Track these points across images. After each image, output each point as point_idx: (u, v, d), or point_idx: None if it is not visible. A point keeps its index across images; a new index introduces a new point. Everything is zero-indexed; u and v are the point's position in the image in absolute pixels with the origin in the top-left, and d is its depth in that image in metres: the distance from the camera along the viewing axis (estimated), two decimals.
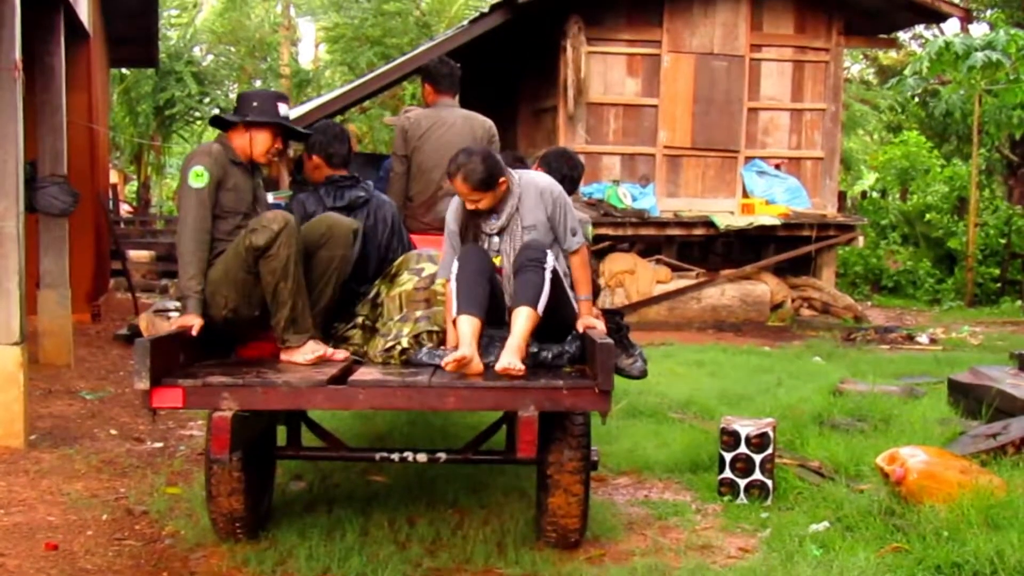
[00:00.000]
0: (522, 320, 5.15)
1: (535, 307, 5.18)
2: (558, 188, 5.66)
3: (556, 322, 5.39)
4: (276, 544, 5.64)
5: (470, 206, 5.56)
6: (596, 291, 6.32)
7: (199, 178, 5.52)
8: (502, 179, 5.50)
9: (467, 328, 5.16)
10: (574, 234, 5.63)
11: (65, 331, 10.58)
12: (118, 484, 6.76)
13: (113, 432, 8.17)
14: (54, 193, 10.29)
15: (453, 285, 5.35)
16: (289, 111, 5.92)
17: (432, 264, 5.92)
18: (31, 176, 9.71)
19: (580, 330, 5.49)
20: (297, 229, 5.41)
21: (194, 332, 5.29)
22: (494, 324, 5.39)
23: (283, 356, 5.47)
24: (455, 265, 5.41)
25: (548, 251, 5.37)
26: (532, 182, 5.62)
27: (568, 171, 6.65)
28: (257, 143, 5.79)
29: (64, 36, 10.64)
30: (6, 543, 5.62)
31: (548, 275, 5.27)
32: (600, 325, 5.54)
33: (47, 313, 10.48)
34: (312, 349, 5.43)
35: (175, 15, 34.13)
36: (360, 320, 5.80)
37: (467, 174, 5.45)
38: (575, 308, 5.59)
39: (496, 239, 5.59)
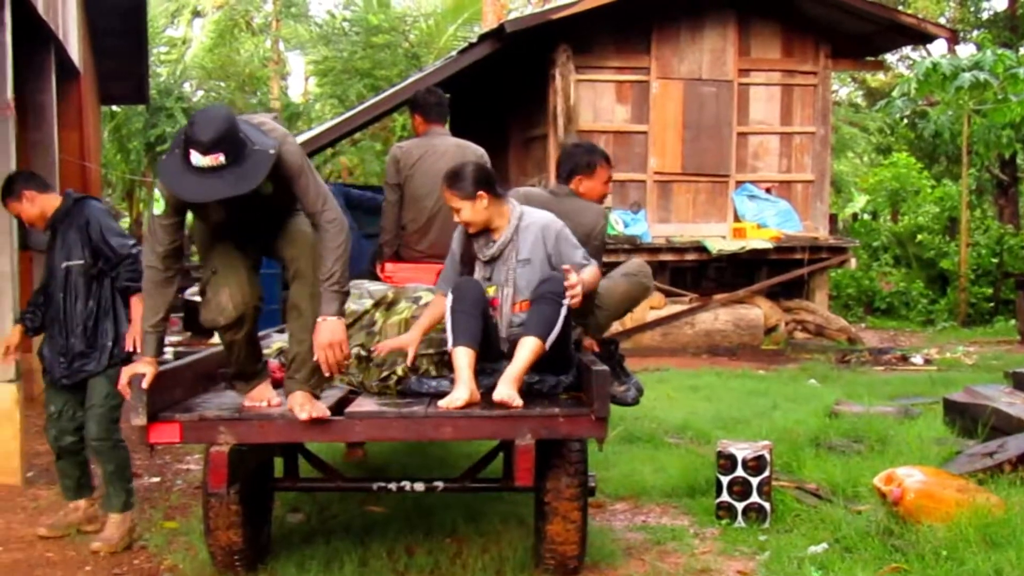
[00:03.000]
0: (527, 350, 5.13)
1: (544, 340, 5.15)
2: (559, 224, 5.62)
3: (554, 354, 5.36)
4: None
5: (455, 216, 5.60)
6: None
7: (157, 203, 4.95)
8: (480, 192, 5.49)
9: (464, 360, 5.15)
10: (587, 262, 5.58)
11: None
12: None
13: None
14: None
15: (448, 317, 5.34)
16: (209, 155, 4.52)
17: (430, 294, 5.93)
18: None
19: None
20: (254, 314, 5.07)
21: (144, 384, 4.71)
22: (487, 358, 5.39)
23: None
24: (450, 297, 5.40)
25: (563, 286, 5.33)
26: (534, 218, 5.60)
27: (601, 149, 6.65)
28: None
29: (55, 74, 10.68)
30: None
31: (564, 312, 5.26)
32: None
33: None
34: (260, 395, 5.24)
35: (164, 52, 34.29)
36: (355, 350, 5.79)
37: (449, 175, 5.58)
38: (571, 341, 5.56)
39: (489, 267, 5.60)
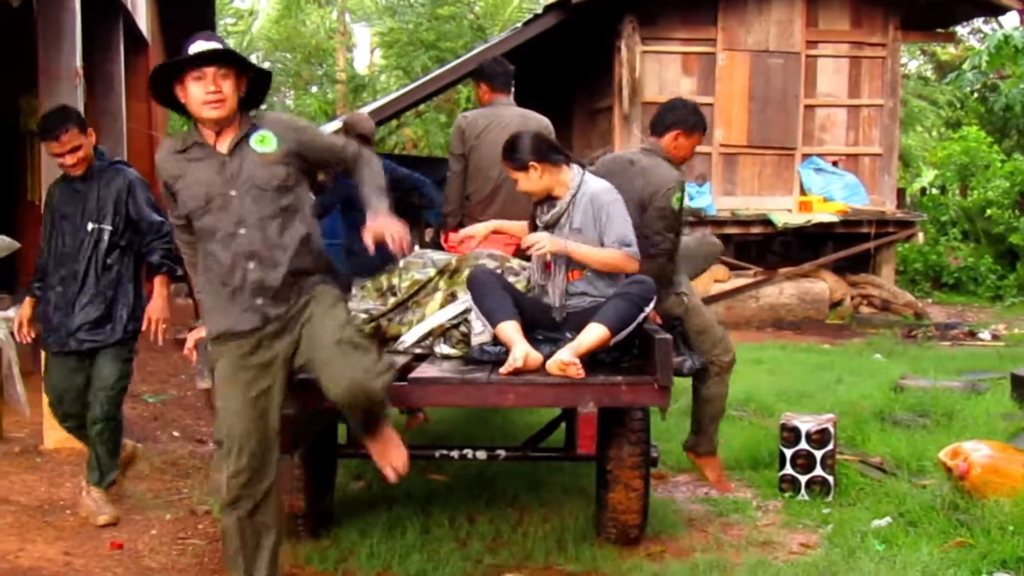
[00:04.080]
0: (593, 335, 5.11)
1: (613, 334, 5.14)
2: (609, 197, 5.57)
3: (621, 343, 5.34)
4: (338, 542, 5.69)
5: (516, 185, 5.69)
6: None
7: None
8: (533, 163, 5.51)
9: (510, 330, 5.18)
10: (627, 245, 5.48)
11: None
12: (181, 484, 6.84)
13: (176, 434, 8.26)
14: None
15: (475, 309, 5.41)
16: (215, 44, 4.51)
17: (492, 260, 5.94)
18: None
19: None
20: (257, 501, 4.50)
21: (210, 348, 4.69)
22: (541, 325, 5.39)
23: None
24: (468, 295, 5.47)
25: (654, 296, 5.36)
26: (590, 188, 5.59)
27: (698, 110, 6.56)
28: (190, 99, 4.47)
29: (124, 45, 10.77)
30: (73, 542, 5.71)
31: (641, 317, 5.25)
32: None
33: None
34: None
35: (232, 23, 34.54)
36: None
37: (505, 147, 5.66)
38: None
39: (548, 232, 5.61)
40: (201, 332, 4.79)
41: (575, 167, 5.66)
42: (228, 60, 4.46)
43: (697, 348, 6.18)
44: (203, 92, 4.39)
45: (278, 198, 4.49)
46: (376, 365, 4.46)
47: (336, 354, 4.39)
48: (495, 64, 7.55)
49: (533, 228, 5.76)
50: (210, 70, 4.39)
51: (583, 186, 5.58)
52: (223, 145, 4.50)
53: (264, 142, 4.53)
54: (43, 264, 6.24)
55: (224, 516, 4.53)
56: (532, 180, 5.56)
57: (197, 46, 4.42)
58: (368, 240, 4.52)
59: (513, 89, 7.48)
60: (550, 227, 5.59)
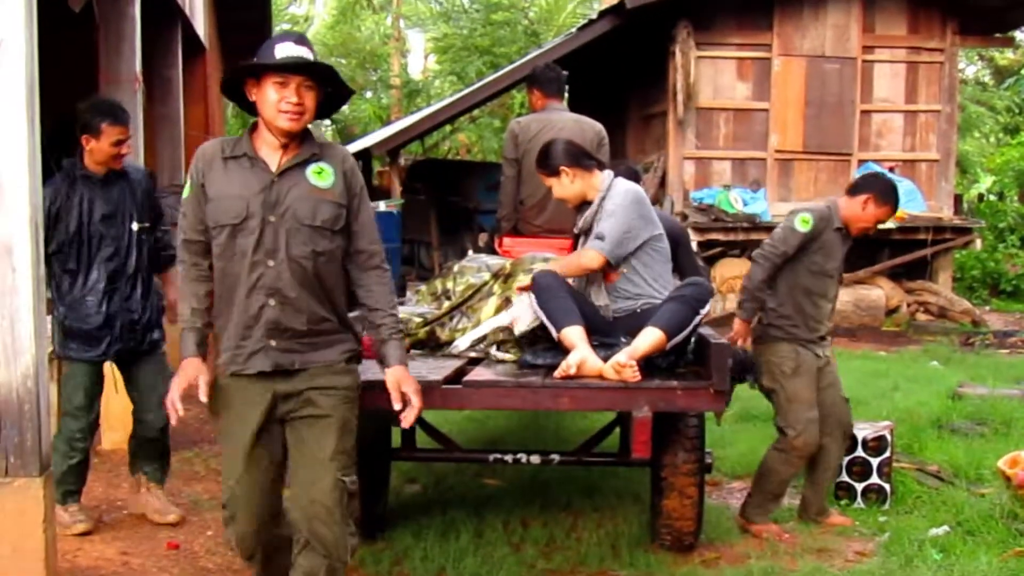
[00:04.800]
0: (648, 338, 5.06)
1: (669, 337, 5.08)
2: (617, 199, 5.50)
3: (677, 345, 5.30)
4: (392, 544, 5.71)
5: (552, 192, 5.77)
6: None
7: (185, 188, 4.29)
8: (564, 168, 5.54)
9: (576, 336, 5.13)
10: (600, 239, 5.43)
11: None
12: None
13: None
14: (172, 203, 10.44)
15: (540, 312, 5.34)
16: (304, 52, 4.08)
17: (546, 264, 5.92)
18: None
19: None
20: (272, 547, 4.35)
21: (201, 396, 4.18)
22: (596, 330, 5.37)
23: None
24: (532, 298, 5.40)
25: (709, 298, 5.33)
26: (615, 190, 5.57)
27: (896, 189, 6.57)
28: (265, 102, 4.05)
29: (181, 49, 10.86)
30: (130, 542, 5.76)
31: (697, 320, 5.22)
32: None
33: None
34: None
35: (287, 29, 34.68)
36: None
37: (538, 154, 5.74)
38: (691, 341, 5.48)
39: (585, 239, 5.61)
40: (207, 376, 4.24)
41: (607, 172, 5.65)
42: (323, 74, 4.10)
43: (779, 412, 6.15)
44: (282, 100, 3.99)
45: (315, 239, 4.07)
46: (349, 529, 4.19)
47: (329, 500, 4.09)
48: (547, 70, 7.56)
49: (574, 235, 5.77)
50: (296, 79, 4.00)
51: (610, 189, 5.57)
52: (277, 163, 4.09)
53: (321, 175, 4.11)
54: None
55: (246, 563, 4.53)
56: (564, 185, 5.59)
57: (286, 48, 4.02)
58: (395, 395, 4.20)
59: (566, 94, 7.47)
60: (585, 233, 5.60)
